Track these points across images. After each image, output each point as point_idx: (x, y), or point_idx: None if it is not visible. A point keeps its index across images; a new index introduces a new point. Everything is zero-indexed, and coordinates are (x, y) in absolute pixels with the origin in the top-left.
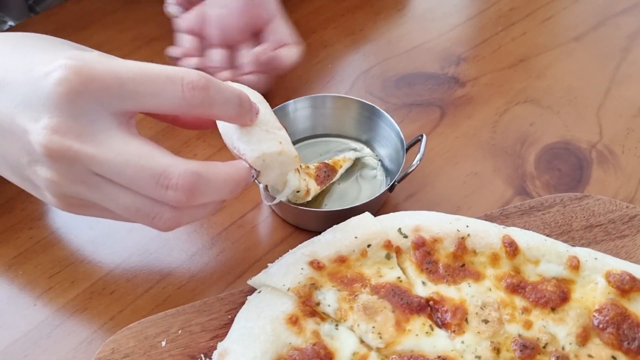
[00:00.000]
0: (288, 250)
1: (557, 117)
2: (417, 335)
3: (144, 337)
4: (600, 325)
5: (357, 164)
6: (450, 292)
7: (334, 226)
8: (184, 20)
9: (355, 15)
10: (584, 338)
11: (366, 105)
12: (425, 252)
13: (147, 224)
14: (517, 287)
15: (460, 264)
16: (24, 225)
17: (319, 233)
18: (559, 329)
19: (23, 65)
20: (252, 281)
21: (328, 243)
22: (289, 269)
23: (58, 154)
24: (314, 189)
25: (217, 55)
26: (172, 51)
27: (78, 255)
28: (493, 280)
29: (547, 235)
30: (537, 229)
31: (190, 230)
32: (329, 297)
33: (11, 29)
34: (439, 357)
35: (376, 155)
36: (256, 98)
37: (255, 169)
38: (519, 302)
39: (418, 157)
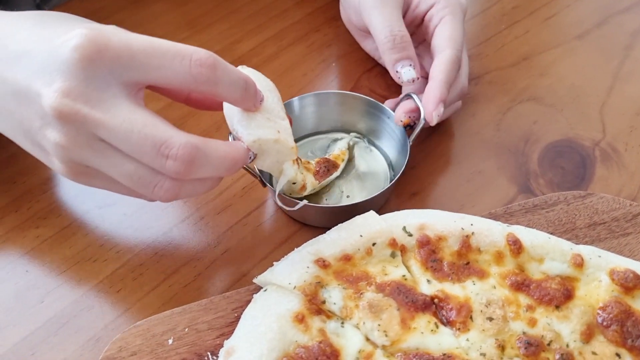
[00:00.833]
0: (293, 249)
1: (561, 115)
2: (422, 333)
3: (151, 335)
4: (604, 323)
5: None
6: (455, 290)
7: (339, 225)
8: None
9: None
10: (588, 335)
11: (370, 102)
12: (430, 250)
13: (147, 194)
14: (521, 285)
15: (464, 262)
16: (30, 224)
17: (324, 230)
18: (563, 327)
19: (43, 36)
20: (258, 279)
21: (333, 241)
22: (295, 268)
23: (67, 117)
24: (311, 184)
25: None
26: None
27: (84, 254)
28: (497, 278)
29: (551, 233)
30: (541, 227)
31: (196, 228)
32: (334, 295)
33: None
34: (444, 354)
35: (362, 136)
36: (267, 86)
37: (252, 152)
38: (523, 299)
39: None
